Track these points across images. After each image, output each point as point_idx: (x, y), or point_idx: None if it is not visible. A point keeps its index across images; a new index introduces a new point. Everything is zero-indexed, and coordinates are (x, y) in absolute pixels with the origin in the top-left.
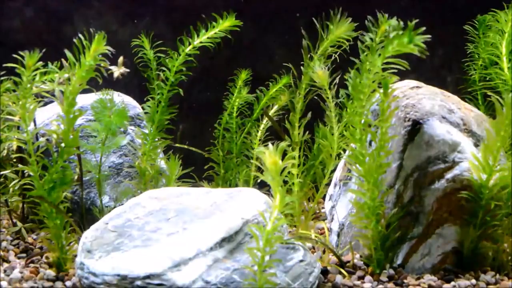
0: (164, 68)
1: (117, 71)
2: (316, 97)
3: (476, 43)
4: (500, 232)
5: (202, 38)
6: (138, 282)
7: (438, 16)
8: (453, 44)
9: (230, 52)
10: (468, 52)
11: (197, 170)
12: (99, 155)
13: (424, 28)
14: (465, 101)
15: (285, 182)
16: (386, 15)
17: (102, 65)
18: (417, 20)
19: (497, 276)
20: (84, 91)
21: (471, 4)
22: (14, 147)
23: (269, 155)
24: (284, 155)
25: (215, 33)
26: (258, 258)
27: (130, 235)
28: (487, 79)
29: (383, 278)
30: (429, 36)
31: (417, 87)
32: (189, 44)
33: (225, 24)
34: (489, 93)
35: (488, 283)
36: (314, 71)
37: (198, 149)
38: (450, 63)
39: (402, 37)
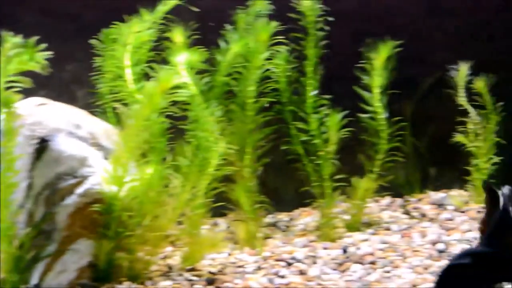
0: None
1: None
2: None
3: (104, 57)
4: (134, 242)
5: None
6: None
7: (69, 31)
8: (83, 58)
9: None
10: (97, 65)
11: None
12: None
13: (46, 45)
14: (96, 115)
15: None
16: (11, 33)
17: None
18: (39, 37)
19: (133, 285)
20: None
21: (99, 19)
22: None
23: None
24: None
25: None
26: None
27: None
28: (115, 92)
29: None
30: (52, 52)
31: (42, 104)
32: None
33: None
34: (117, 106)
35: None
36: None
37: None
38: (81, 78)
39: (23, 55)
